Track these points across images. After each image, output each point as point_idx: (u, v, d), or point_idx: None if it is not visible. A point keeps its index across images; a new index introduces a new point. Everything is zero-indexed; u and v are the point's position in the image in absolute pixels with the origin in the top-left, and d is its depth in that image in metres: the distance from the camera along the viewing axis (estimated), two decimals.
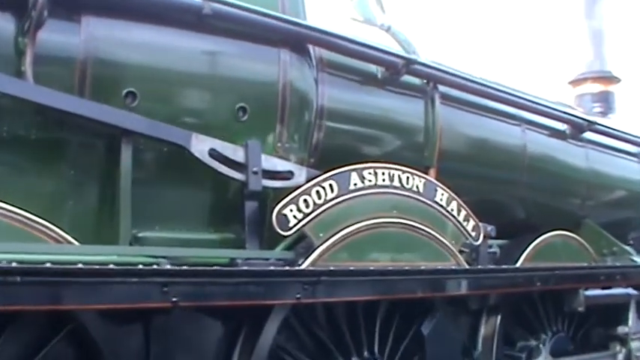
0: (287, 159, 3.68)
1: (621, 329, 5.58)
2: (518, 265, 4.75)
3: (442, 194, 4.11)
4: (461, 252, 4.47)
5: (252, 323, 3.32)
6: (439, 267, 3.79)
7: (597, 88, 7.39)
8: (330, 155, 3.90)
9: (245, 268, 3.09)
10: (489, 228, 4.48)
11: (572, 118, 5.64)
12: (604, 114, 7.26)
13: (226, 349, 3.31)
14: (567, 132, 5.74)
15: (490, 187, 5.04)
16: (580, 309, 4.86)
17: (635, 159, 6.62)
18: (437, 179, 4.37)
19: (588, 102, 7.36)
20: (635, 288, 5.56)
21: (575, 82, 7.48)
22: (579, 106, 7.29)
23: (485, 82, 4.78)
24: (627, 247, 5.88)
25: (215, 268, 2.90)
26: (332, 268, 3.33)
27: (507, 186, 5.16)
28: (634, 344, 5.62)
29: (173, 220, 3.40)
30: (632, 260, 5.68)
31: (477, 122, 4.88)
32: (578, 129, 5.73)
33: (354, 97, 4.12)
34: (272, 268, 3.16)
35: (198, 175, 3.43)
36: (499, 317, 4.63)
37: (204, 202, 3.53)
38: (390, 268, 3.55)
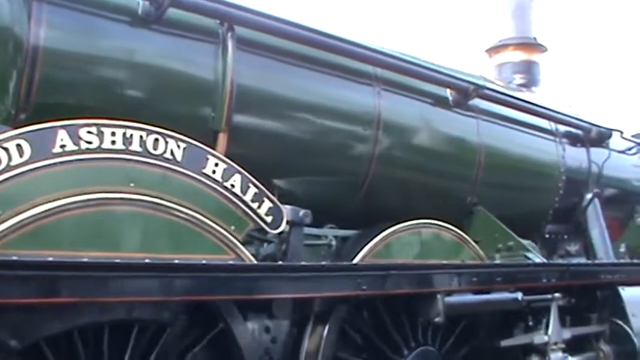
0: None
1: (539, 339, 4.77)
2: (355, 262, 3.85)
3: (216, 165, 3.21)
4: (262, 242, 3.64)
5: None
6: (176, 261, 2.87)
7: (519, 56, 6.50)
8: (52, 112, 3.00)
9: None
10: (302, 212, 3.58)
11: (451, 80, 4.73)
12: (526, 86, 6.38)
13: None
14: (451, 98, 4.84)
15: (321, 164, 4.14)
16: (437, 319, 3.93)
17: (550, 137, 5.71)
18: (230, 149, 3.53)
19: (508, 72, 6.48)
20: (559, 290, 4.79)
21: (494, 50, 6.61)
22: (499, 78, 6.42)
23: (308, 27, 3.88)
24: (526, 242, 4.97)
25: None
26: None
27: (350, 162, 4.25)
28: (554, 355, 4.80)
29: None
30: (527, 258, 4.75)
31: (300, 77, 3.97)
32: (462, 94, 4.83)
33: (91, 37, 3.23)
34: None
35: None
36: (326, 328, 3.73)
37: None
38: (87, 259, 2.64)
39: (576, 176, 5.87)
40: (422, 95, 4.69)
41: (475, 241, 4.68)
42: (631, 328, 5.15)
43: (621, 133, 6.26)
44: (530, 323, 4.78)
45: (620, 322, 5.20)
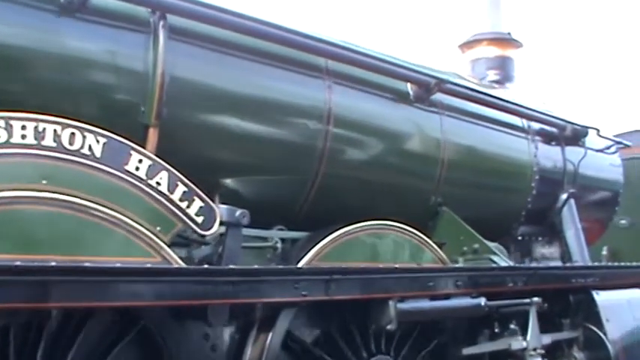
0: None
1: (517, 344, 4.62)
2: (299, 265, 3.70)
3: (140, 161, 3.07)
4: (200, 244, 3.49)
5: None
6: (86, 264, 2.70)
7: (493, 52, 6.36)
8: None
9: None
10: (238, 212, 3.43)
11: (410, 74, 4.59)
12: (500, 83, 6.24)
13: None
14: (411, 93, 4.70)
15: (267, 161, 3.99)
16: (390, 327, 3.78)
17: (522, 134, 5.57)
18: (162, 145, 3.39)
19: (482, 68, 6.35)
20: (538, 293, 4.63)
21: (467, 45, 6.46)
22: (472, 74, 6.29)
23: (249, 17, 3.74)
24: (493, 245, 4.82)
25: None
26: None
27: (298, 159, 4.09)
28: None
29: None
30: (492, 261, 4.60)
31: (242, 69, 3.81)
32: (424, 89, 4.68)
33: (7, 27, 3.06)
34: None
35: None
36: (270, 335, 3.58)
37: None
38: None
39: (550, 175, 5.72)
40: (379, 89, 4.54)
41: (440, 244, 4.54)
42: (605, 334, 4.99)
43: (598, 131, 6.12)
44: (497, 330, 4.65)
45: (593, 328, 5.05)
